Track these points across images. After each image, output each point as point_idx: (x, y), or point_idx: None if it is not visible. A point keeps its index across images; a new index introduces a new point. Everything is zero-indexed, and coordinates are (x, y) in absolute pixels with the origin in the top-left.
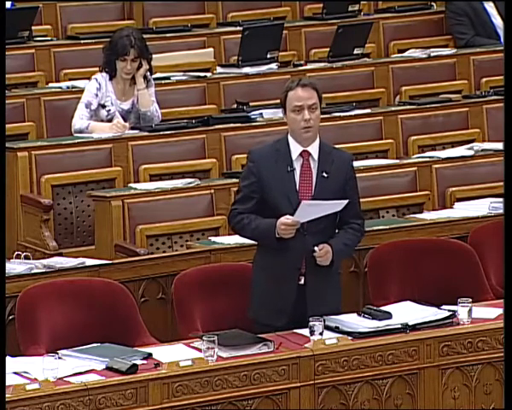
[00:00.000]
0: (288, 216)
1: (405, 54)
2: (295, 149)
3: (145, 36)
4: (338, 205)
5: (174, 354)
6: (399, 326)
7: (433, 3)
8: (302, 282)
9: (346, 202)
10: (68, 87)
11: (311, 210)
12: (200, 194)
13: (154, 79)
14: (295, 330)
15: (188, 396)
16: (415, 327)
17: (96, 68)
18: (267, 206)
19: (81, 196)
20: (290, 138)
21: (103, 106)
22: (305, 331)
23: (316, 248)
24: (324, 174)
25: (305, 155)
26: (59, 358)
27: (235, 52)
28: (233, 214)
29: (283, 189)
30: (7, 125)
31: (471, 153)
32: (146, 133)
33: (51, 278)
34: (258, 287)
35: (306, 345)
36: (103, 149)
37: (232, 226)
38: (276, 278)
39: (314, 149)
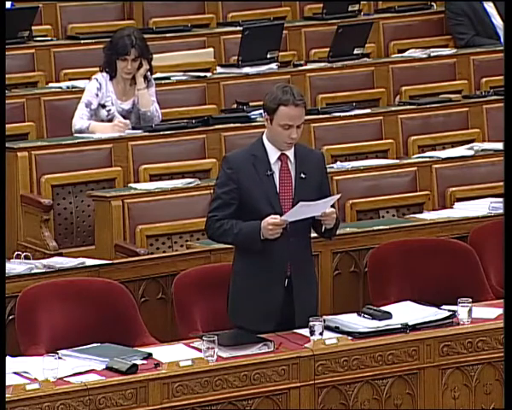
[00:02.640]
0: (274, 216)
1: (405, 54)
2: (272, 152)
3: (145, 36)
4: (328, 203)
5: (174, 354)
6: (399, 326)
7: (433, 3)
8: (286, 284)
9: (337, 197)
10: (68, 87)
11: (304, 210)
12: (200, 194)
13: (155, 79)
14: (295, 331)
15: (188, 396)
16: (415, 327)
17: (96, 68)
18: (246, 211)
19: (81, 196)
20: (266, 142)
21: (103, 106)
22: (305, 331)
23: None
24: (302, 175)
25: (283, 158)
26: (59, 358)
27: (235, 52)
28: (211, 221)
29: (264, 193)
30: (7, 125)
31: (471, 153)
32: (146, 133)
33: (51, 278)
34: (243, 294)
35: (306, 345)
36: (103, 149)
37: (211, 234)
38: (263, 283)
39: (290, 151)
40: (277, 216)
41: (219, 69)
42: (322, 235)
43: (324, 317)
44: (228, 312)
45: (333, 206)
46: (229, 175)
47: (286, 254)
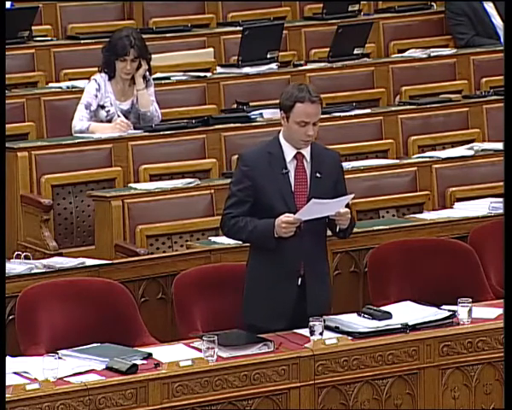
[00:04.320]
0: (288, 214)
1: (405, 54)
2: (288, 151)
3: (145, 36)
4: (342, 203)
5: (174, 354)
6: (399, 326)
7: (433, 3)
8: (299, 283)
9: (351, 196)
10: (68, 87)
11: (317, 209)
12: (200, 194)
13: (154, 79)
14: (295, 331)
15: (188, 396)
16: (415, 327)
17: (96, 68)
18: (261, 209)
19: (81, 196)
20: (282, 140)
21: (102, 107)
22: (305, 331)
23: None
24: (318, 174)
25: (299, 157)
26: (59, 358)
27: (235, 52)
28: (227, 218)
29: (279, 191)
30: (7, 125)
31: (471, 153)
32: (146, 133)
33: (51, 278)
34: (256, 292)
35: (306, 345)
36: (103, 149)
37: (226, 231)
38: (276, 281)
39: (306, 150)
40: (291, 214)
41: (219, 69)
42: (337, 235)
43: (324, 317)
44: (242, 310)
45: (348, 206)
46: (245, 172)
47: (299, 252)
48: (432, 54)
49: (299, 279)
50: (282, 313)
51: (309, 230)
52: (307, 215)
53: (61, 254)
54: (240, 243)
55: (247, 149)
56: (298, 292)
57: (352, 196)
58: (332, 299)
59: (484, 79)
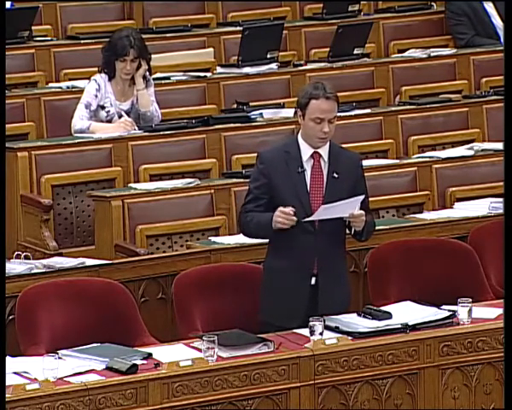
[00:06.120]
0: (288, 208)
1: (405, 54)
2: (306, 150)
3: (145, 36)
4: (353, 204)
5: (174, 354)
6: (399, 326)
7: (433, 3)
8: (313, 282)
9: (361, 197)
10: (68, 87)
11: (328, 212)
12: (200, 194)
13: (154, 79)
14: (295, 330)
15: (188, 396)
16: (415, 327)
17: (96, 68)
18: (277, 207)
19: (81, 196)
20: (300, 139)
21: (102, 107)
22: (305, 331)
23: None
24: (335, 175)
25: (315, 156)
26: (59, 358)
27: (235, 52)
28: (241, 215)
29: (294, 190)
30: (7, 125)
31: (471, 153)
32: (146, 133)
33: (51, 278)
34: (271, 289)
35: (306, 345)
36: (103, 149)
37: (241, 227)
38: (289, 280)
39: (324, 150)
40: (290, 208)
41: (219, 69)
42: (354, 236)
43: (324, 317)
44: (259, 306)
45: (366, 209)
46: (261, 170)
47: (313, 251)
48: (432, 54)
49: (313, 279)
50: (297, 311)
51: (324, 229)
52: (321, 217)
53: (61, 254)
54: (240, 242)
55: (265, 148)
56: (311, 291)
57: (362, 197)
58: (348, 300)
59: (484, 79)
